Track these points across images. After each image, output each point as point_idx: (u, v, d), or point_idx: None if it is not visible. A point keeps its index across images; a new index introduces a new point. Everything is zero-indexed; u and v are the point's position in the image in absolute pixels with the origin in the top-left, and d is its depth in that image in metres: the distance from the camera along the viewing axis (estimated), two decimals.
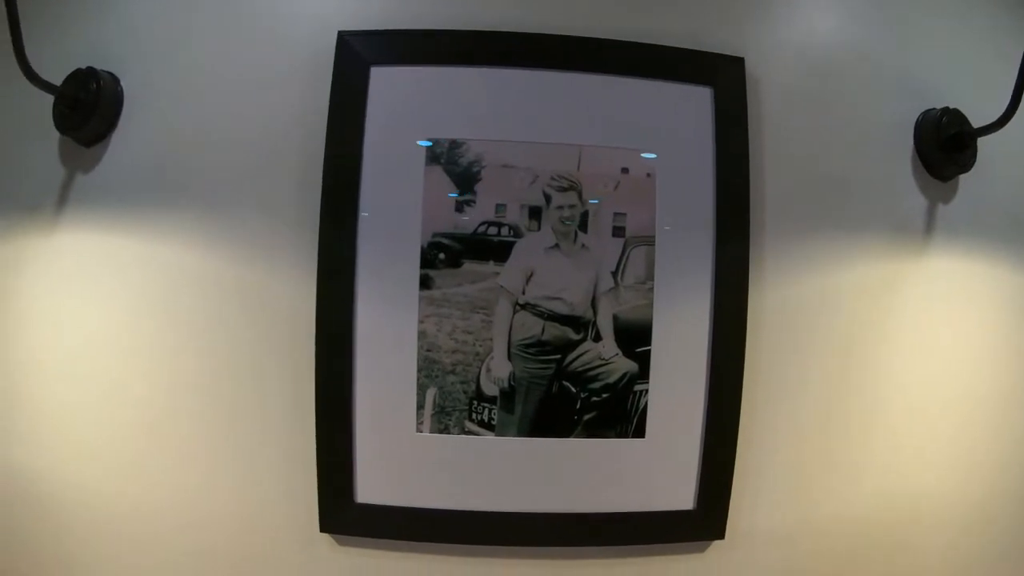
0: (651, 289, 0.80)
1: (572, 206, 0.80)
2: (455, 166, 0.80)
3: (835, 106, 0.90)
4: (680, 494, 0.82)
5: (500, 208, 0.80)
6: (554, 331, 0.79)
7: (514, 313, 0.79)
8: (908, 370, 0.90)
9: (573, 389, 0.80)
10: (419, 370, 0.79)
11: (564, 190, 0.80)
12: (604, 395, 0.80)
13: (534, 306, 0.79)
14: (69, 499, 0.85)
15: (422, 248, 0.79)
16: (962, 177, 0.93)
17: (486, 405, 0.80)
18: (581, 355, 0.80)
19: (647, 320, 0.80)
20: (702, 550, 0.85)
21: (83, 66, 0.85)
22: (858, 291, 0.89)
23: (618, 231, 0.80)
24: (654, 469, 0.82)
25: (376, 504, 0.81)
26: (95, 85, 0.83)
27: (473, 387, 0.80)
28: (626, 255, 0.80)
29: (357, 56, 0.81)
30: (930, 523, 0.90)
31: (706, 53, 0.85)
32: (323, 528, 0.82)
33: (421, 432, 0.80)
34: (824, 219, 0.89)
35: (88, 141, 0.86)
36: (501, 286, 0.79)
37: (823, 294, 0.88)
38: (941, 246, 0.92)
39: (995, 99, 0.83)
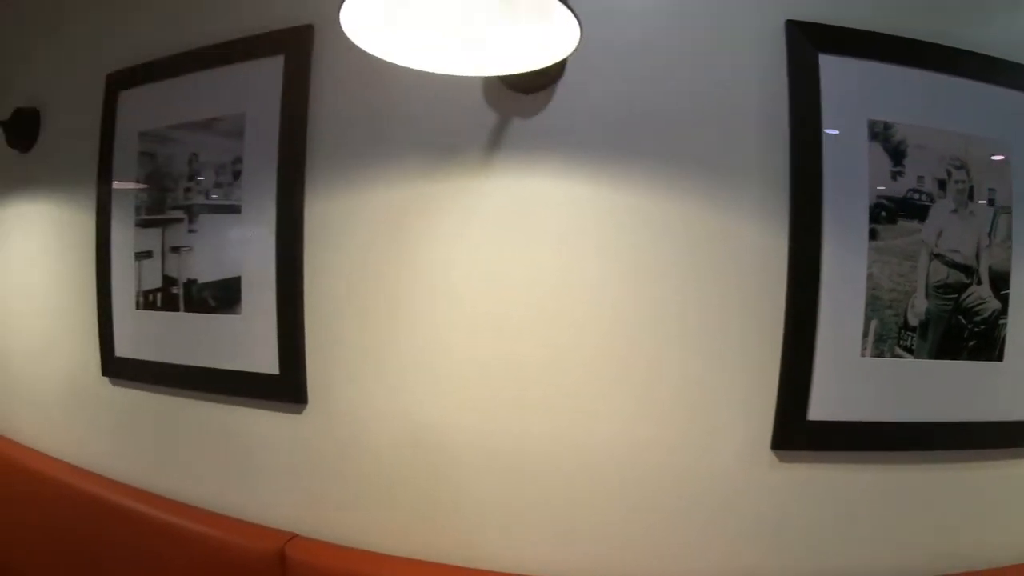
0: (1011, 247, 1.06)
1: (963, 181, 1.03)
2: (888, 143, 1.00)
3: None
4: None
5: (920, 180, 1.01)
6: (955, 276, 1.02)
7: (930, 261, 1.01)
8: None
9: (964, 321, 1.03)
10: (866, 304, 0.98)
11: (958, 168, 1.03)
12: (982, 327, 1.04)
13: (942, 256, 1.02)
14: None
15: (869, 207, 0.99)
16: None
17: (910, 333, 1.00)
18: (969, 295, 1.03)
19: (1007, 270, 1.05)
20: None
21: None
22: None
23: (991, 203, 1.05)
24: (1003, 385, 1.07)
25: (825, 420, 0.98)
26: None
27: (902, 319, 1.00)
28: (996, 221, 1.05)
29: (806, 42, 0.99)
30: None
31: None
32: (774, 445, 0.98)
33: (864, 356, 0.99)
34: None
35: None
36: (923, 240, 1.01)
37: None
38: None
39: None
